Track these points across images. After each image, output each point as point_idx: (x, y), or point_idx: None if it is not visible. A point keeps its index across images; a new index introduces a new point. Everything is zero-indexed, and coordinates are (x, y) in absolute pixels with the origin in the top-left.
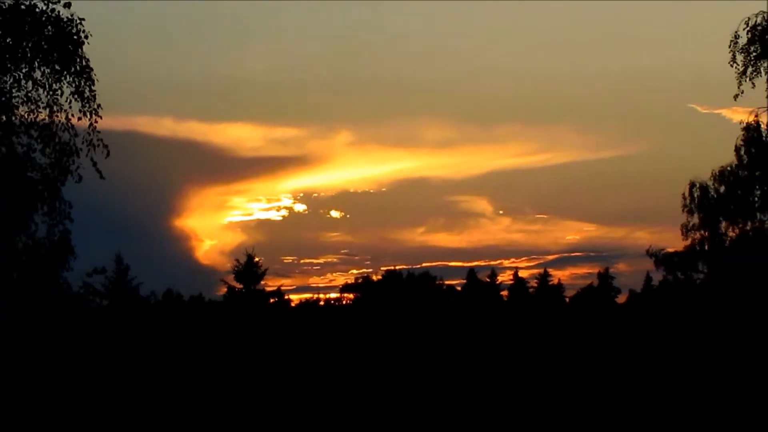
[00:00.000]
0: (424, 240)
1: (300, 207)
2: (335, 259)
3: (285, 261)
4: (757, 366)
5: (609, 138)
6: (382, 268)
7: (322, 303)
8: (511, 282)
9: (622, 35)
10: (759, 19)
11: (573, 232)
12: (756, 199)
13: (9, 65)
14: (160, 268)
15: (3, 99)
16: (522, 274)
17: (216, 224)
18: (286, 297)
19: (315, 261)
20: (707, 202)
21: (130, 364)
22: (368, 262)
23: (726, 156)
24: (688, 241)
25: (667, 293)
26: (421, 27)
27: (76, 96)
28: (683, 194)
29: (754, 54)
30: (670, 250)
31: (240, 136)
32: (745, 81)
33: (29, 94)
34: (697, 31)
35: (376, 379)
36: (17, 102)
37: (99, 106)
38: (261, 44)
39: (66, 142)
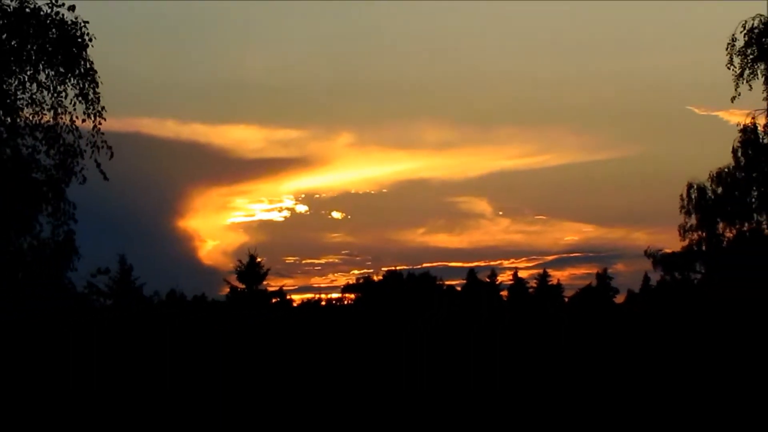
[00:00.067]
0: (424, 240)
1: (302, 208)
2: (336, 260)
3: (287, 261)
4: (753, 365)
5: (607, 140)
6: (382, 269)
7: (323, 303)
8: (511, 282)
9: (621, 38)
10: (756, 22)
11: (572, 233)
12: (753, 200)
13: (14, 67)
14: (163, 268)
15: (8, 101)
16: (521, 274)
17: (219, 225)
18: (288, 297)
19: (316, 261)
20: (705, 204)
21: (128, 364)
22: (369, 263)
23: (723, 158)
24: (686, 242)
25: (665, 293)
26: (421, 30)
27: (80, 98)
28: (681, 195)
29: (751, 56)
30: (668, 250)
31: (242, 137)
32: (742, 83)
33: (34, 96)
34: (695, 33)
35: (377, 379)
36: (22, 104)
37: (103, 108)
38: (263, 48)
39: (70, 143)
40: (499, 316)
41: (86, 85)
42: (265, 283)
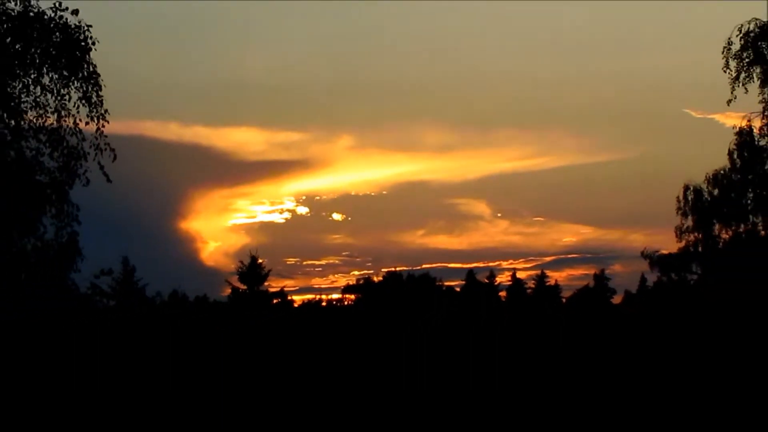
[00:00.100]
0: (424, 242)
1: (302, 210)
2: (337, 261)
3: (288, 262)
4: (748, 365)
5: (605, 142)
6: (382, 270)
7: (324, 304)
8: (510, 283)
9: (618, 41)
10: (752, 26)
11: (569, 235)
12: (749, 202)
13: (18, 71)
14: (165, 269)
15: (12, 104)
16: (520, 275)
17: (220, 226)
18: (289, 298)
19: (317, 262)
20: (701, 205)
21: (131, 365)
22: (369, 264)
23: (719, 160)
24: (682, 243)
25: (662, 294)
26: (421, 30)
27: (83, 101)
28: (677, 197)
29: (747, 60)
30: (665, 251)
31: (244, 140)
32: (738, 86)
33: (38, 99)
34: (691, 35)
35: (377, 379)
36: (26, 107)
37: (106, 111)
38: (264, 50)
39: (74, 146)
40: (498, 316)
41: (89, 88)
42: (266, 284)
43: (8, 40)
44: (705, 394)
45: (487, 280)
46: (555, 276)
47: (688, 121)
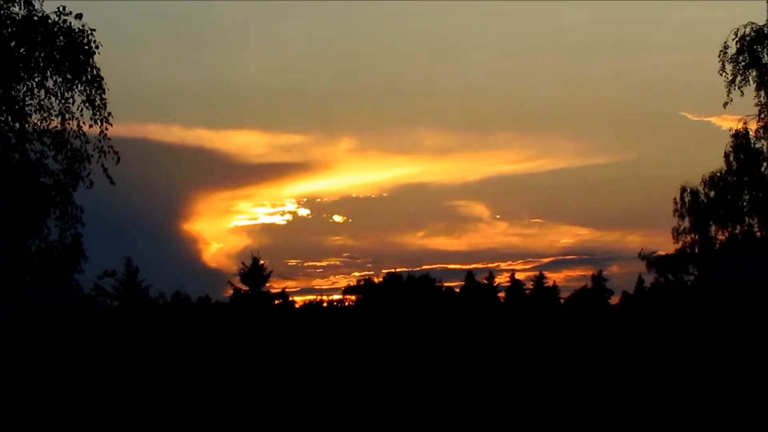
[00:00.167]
0: (423, 243)
1: (304, 212)
2: (338, 262)
3: (289, 264)
4: (743, 364)
5: (602, 144)
6: (383, 271)
7: (325, 304)
8: (508, 284)
9: (616, 43)
10: (747, 30)
11: (567, 236)
12: (745, 203)
13: (22, 74)
14: (168, 270)
15: (17, 107)
16: (518, 276)
17: (222, 228)
18: (290, 299)
19: (318, 264)
20: (698, 207)
21: (131, 365)
22: (370, 265)
23: (716, 162)
24: (679, 245)
25: (659, 295)
26: (420, 33)
27: (87, 104)
28: (674, 199)
29: (743, 63)
30: (662, 253)
31: (246, 143)
32: (734, 89)
33: (42, 103)
34: (688, 39)
35: (377, 379)
36: (30, 110)
37: (109, 114)
38: (265, 54)
39: (77, 148)
40: (498, 317)
41: (93, 92)
42: (267, 285)
43: (13, 43)
44: (702, 393)
45: (486, 281)
46: (553, 277)
47: (685, 123)
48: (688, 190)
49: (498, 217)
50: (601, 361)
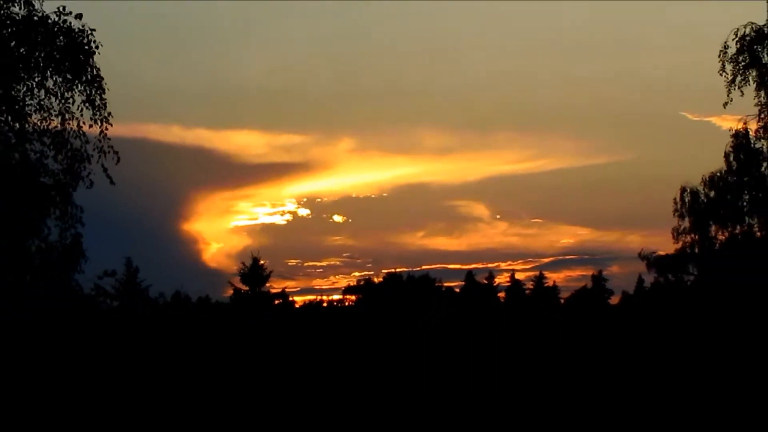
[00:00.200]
0: (423, 243)
1: (304, 212)
2: (338, 262)
3: (289, 264)
4: (743, 364)
5: (602, 144)
6: (383, 271)
7: (325, 304)
8: (508, 284)
9: (616, 45)
10: (747, 30)
11: (567, 236)
12: (744, 203)
13: (22, 74)
14: (168, 270)
15: (17, 107)
16: (518, 276)
17: (222, 228)
18: (290, 299)
19: (318, 264)
20: (698, 207)
21: (131, 365)
22: (370, 265)
23: (716, 162)
24: (679, 245)
25: (659, 295)
26: (420, 33)
27: (87, 104)
28: (674, 199)
29: (743, 63)
30: (662, 253)
31: (246, 143)
32: (734, 89)
33: (42, 103)
34: (688, 39)
35: (377, 379)
36: (30, 110)
37: (109, 114)
38: (265, 54)
39: (77, 148)
40: (498, 317)
41: (93, 92)
42: (267, 285)
43: (13, 43)
44: (702, 393)
45: (486, 281)
46: (553, 277)
47: (685, 123)
48: (688, 190)
49: (498, 217)
50: (601, 361)
